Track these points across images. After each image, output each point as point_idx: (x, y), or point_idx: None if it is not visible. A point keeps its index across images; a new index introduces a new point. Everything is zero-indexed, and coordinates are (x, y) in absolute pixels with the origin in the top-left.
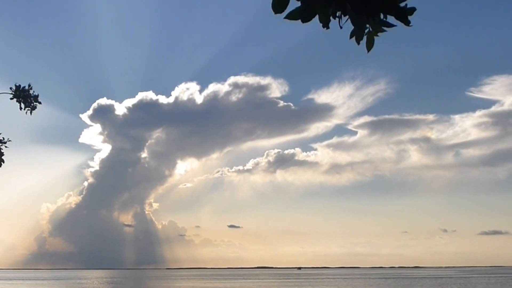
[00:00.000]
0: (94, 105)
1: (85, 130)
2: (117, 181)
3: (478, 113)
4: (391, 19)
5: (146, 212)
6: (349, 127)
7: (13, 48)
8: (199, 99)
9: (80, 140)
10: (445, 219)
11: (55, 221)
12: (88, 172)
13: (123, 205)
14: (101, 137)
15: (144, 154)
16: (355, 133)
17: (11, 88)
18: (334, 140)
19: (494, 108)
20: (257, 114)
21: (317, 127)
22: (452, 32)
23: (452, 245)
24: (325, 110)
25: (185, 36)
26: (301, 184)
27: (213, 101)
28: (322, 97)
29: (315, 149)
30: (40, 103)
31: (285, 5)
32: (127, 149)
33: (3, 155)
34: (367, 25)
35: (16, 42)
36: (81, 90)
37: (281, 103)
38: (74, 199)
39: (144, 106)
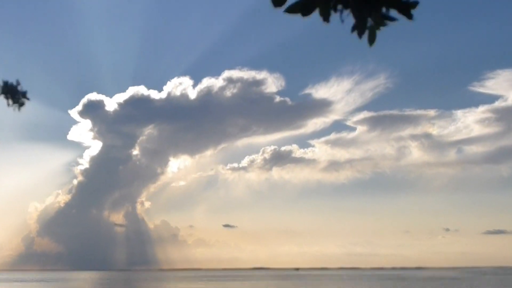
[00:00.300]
0: (84, 100)
1: (74, 126)
2: (108, 179)
3: (481, 108)
4: (393, 12)
5: (138, 212)
6: (348, 123)
7: None
8: (193, 94)
9: (69, 137)
10: (448, 218)
11: (43, 220)
12: (77, 170)
13: (113, 204)
14: (91, 134)
15: (135, 151)
16: (354, 129)
17: None
18: (332, 136)
19: (497, 104)
20: (252, 110)
21: (314, 123)
22: (454, 25)
23: (455, 245)
24: (323, 106)
25: (178, 29)
26: (298, 182)
27: (207, 96)
28: (320, 92)
29: (313, 146)
30: (28, 99)
31: None
32: (117, 146)
33: None
34: (369, 19)
35: (2, 37)
36: (70, 85)
37: (278, 98)
38: (63, 198)
39: (135, 102)
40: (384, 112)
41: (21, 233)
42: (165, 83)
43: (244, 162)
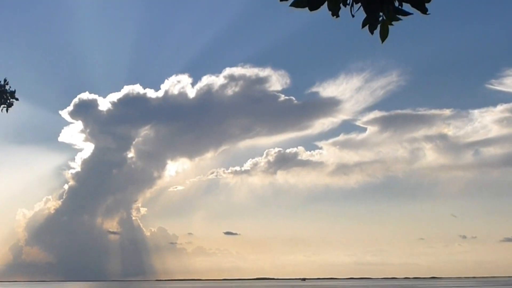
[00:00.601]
0: (75, 100)
1: (65, 127)
2: (101, 183)
3: (500, 107)
4: (406, 6)
5: (133, 218)
6: (358, 123)
7: None
8: (192, 92)
9: (60, 138)
10: (465, 225)
11: (32, 228)
12: (68, 174)
13: (107, 210)
14: (83, 136)
15: (130, 154)
16: (364, 130)
17: None
18: (341, 137)
19: None
20: (255, 109)
21: (322, 124)
22: (471, 19)
23: (472, 253)
24: (330, 105)
25: (176, 23)
26: (304, 187)
27: (206, 95)
28: (328, 90)
29: (320, 148)
30: (17, 99)
31: None
32: (111, 149)
33: None
34: (381, 13)
35: None
36: (61, 84)
37: (282, 97)
38: (53, 204)
39: (130, 101)
40: (396, 112)
41: (8, 242)
42: (162, 81)
43: (247, 165)
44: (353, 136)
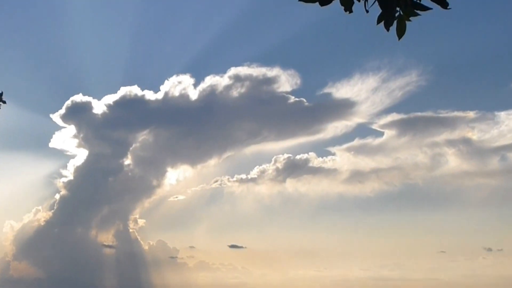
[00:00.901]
0: (68, 103)
1: (56, 132)
2: (95, 193)
3: None
4: (425, 0)
5: (130, 230)
6: (374, 126)
7: None
8: (194, 94)
9: (51, 144)
10: (490, 236)
11: (21, 241)
12: (60, 182)
13: (102, 222)
14: (76, 141)
15: (127, 161)
16: (381, 134)
17: None
18: (356, 142)
19: None
20: (263, 112)
21: (335, 127)
22: (496, 14)
23: (498, 267)
24: (344, 107)
25: (177, 19)
26: (316, 196)
27: (210, 96)
28: (341, 91)
29: (333, 154)
30: (4, 102)
31: None
32: (107, 155)
33: None
34: (398, 8)
35: None
36: (52, 85)
37: (292, 99)
38: (43, 215)
39: (127, 103)
40: (416, 114)
41: None
42: (161, 82)
43: (254, 172)
44: (369, 140)
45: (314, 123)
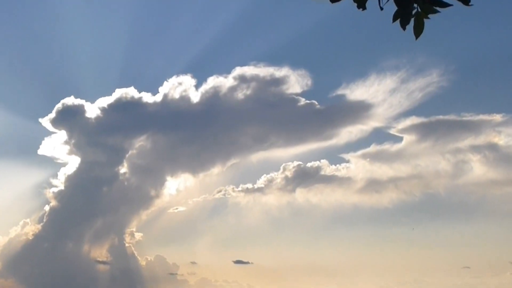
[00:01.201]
0: (58, 106)
1: (46, 138)
2: (88, 204)
3: None
4: None
5: (126, 245)
6: (392, 131)
7: None
8: (195, 96)
9: (40, 151)
10: None
11: (7, 257)
12: (49, 193)
13: (95, 236)
14: (67, 147)
15: (123, 169)
16: (399, 139)
17: None
18: (372, 148)
19: None
20: (270, 116)
21: (349, 132)
22: None
23: None
24: (359, 110)
25: (177, 16)
26: (328, 207)
27: (213, 99)
28: (356, 92)
29: (347, 161)
30: None
31: None
32: (101, 163)
33: None
34: (415, 5)
35: None
36: (41, 87)
37: (302, 101)
38: (31, 229)
39: (123, 107)
40: (438, 118)
41: None
42: (160, 83)
43: (260, 182)
44: (387, 146)
45: (326, 127)
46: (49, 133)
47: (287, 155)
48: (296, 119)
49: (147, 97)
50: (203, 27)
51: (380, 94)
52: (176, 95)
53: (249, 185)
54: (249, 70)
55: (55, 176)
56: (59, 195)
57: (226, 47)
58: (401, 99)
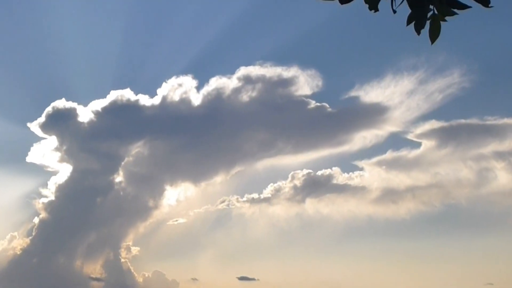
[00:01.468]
0: (48, 109)
1: (35, 144)
2: (81, 216)
3: None
4: None
5: (122, 260)
6: (409, 136)
7: None
8: (197, 99)
9: (28, 158)
10: None
11: None
12: (39, 204)
13: (89, 251)
14: (58, 154)
15: (119, 178)
16: (417, 145)
17: None
18: (388, 155)
19: None
20: (278, 120)
21: (363, 138)
22: None
23: None
24: (374, 113)
25: (178, 11)
26: (341, 218)
27: (216, 101)
28: (371, 94)
29: (361, 169)
30: None
31: None
32: (94, 171)
33: None
34: (431, 7)
35: None
36: (30, 89)
37: (312, 104)
38: (19, 243)
39: (118, 110)
40: (459, 122)
41: None
42: (159, 85)
43: (267, 191)
44: (404, 153)
45: (338, 132)
46: (38, 139)
47: (296, 162)
48: (305, 123)
49: (145, 100)
50: (205, 23)
51: (397, 96)
52: (176, 97)
53: (255, 195)
54: (254, 70)
55: (44, 185)
56: (49, 206)
57: (230, 45)
58: (420, 101)
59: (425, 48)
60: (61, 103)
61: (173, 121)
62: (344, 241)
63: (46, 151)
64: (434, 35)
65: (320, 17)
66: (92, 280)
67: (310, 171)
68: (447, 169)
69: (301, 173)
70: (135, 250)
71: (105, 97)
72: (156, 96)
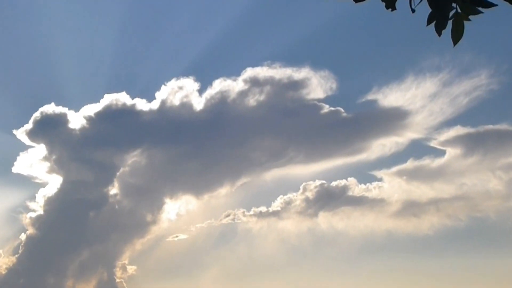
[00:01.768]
0: (36, 115)
1: (21, 154)
2: (72, 232)
3: None
4: None
5: (117, 280)
6: (433, 144)
7: None
8: (199, 103)
9: (14, 169)
10: None
11: None
12: (26, 218)
13: (81, 270)
14: (47, 164)
15: (113, 190)
16: (441, 153)
17: None
18: (409, 164)
19: None
20: (288, 126)
21: (382, 145)
22: None
23: None
24: (394, 118)
25: (178, 8)
26: (357, 234)
27: (220, 106)
28: (390, 98)
29: (379, 179)
30: None
31: None
32: (87, 183)
33: None
34: (454, 4)
35: None
36: (16, 93)
37: (326, 108)
38: (4, 261)
39: (113, 116)
40: (487, 128)
41: None
42: (157, 88)
43: (276, 204)
44: (427, 162)
45: (354, 139)
46: (25, 148)
47: (308, 172)
48: (318, 129)
49: (142, 104)
50: (208, 20)
51: (419, 99)
52: (176, 101)
53: (263, 209)
54: (262, 72)
55: (32, 198)
56: (37, 221)
57: (235, 44)
58: (444, 105)
59: (449, 47)
60: (50, 108)
61: (173, 128)
62: (361, 259)
63: (33, 160)
64: (457, 36)
65: (334, 13)
66: None
67: (324, 182)
68: (474, 180)
69: (314, 185)
70: (131, 269)
71: (99, 101)
72: (154, 100)
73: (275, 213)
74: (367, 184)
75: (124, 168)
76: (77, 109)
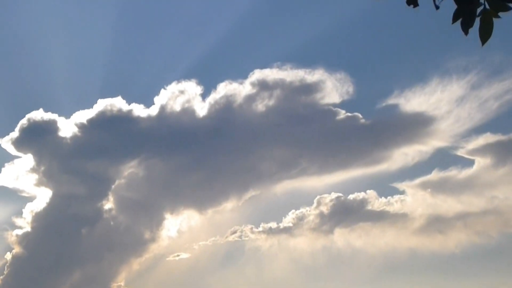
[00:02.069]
0: (22, 122)
1: (6, 165)
2: (62, 251)
3: None
4: None
5: None
6: (460, 153)
7: None
8: (202, 109)
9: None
10: None
11: None
12: (12, 236)
13: None
14: (35, 177)
15: (108, 205)
16: (470, 163)
17: None
18: (434, 175)
19: None
20: (300, 134)
21: (404, 154)
22: None
23: None
24: (417, 125)
25: (179, 5)
26: (377, 252)
27: (225, 112)
28: (412, 102)
29: (402, 192)
30: None
31: None
32: (79, 197)
33: None
34: (482, 0)
35: None
36: (2, 98)
37: (342, 114)
38: None
39: (107, 123)
40: None
41: None
42: (156, 92)
43: (288, 220)
44: (453, 173)
45: (373, 148)
46: (11, 158)
47: (323, 184)
48: (334, 137)
49: (139, 110)
50: (212, 18)
51: (444, 104)
52: (177, 107)
53: (273, 225)
54: (271, 74)
55: (19, 214)
56: (24, 239)
57: (242, 45)
58: (472, 110)
59: (478, 47)
60: (38, 115)
61: (174, 136)
62: (381, 280)
63: (20, 172)
64: (485, 34)
65: (351, 9)
66: None
67: (340, 195)
68: (506, 192)
69: (329, 198)
70: None
71: (92, 107)
72: (153, 106)
73: (287, 230)
74: (388, 197)
75: (120, 181)
76: (68, 116)
